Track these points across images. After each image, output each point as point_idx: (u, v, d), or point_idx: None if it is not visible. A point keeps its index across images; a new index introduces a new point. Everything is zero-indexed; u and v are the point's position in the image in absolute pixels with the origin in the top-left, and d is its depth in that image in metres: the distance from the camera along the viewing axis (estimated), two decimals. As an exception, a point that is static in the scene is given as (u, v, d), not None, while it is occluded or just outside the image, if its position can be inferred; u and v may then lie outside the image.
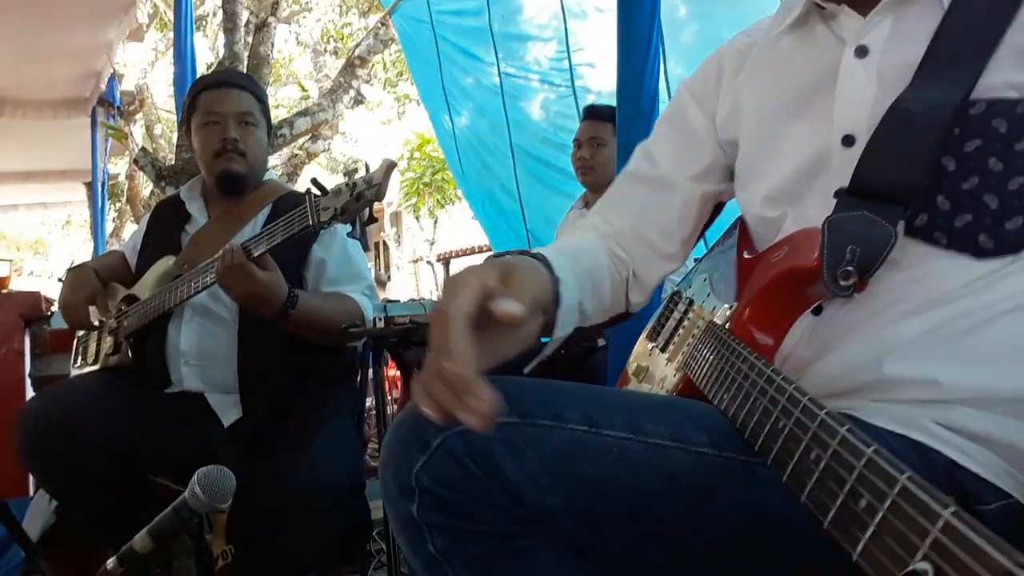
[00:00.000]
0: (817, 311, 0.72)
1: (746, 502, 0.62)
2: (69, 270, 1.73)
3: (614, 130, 2.28)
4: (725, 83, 0.88)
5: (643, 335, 1.06)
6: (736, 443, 0.61)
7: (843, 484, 0.45)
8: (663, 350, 0.96)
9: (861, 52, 0.71)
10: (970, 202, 0.63)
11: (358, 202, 1.31)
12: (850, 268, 0.65)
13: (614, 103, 1.94)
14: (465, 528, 0.61)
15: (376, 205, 1.35)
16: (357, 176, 1.32)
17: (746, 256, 0.87)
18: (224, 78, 1.76)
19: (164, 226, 1.75)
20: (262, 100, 1.71)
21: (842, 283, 0.66)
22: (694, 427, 0.64)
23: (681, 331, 0.93)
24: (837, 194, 0.70)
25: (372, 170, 1.32)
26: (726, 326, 0.79)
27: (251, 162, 1.66)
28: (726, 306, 0.84)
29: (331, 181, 1.39)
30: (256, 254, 1.38)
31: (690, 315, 0.93)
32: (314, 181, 1.37)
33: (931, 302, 0.65)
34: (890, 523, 0.40)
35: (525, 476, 0.60)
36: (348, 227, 1.37)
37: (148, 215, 1.87)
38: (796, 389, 0.57)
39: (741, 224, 0.92)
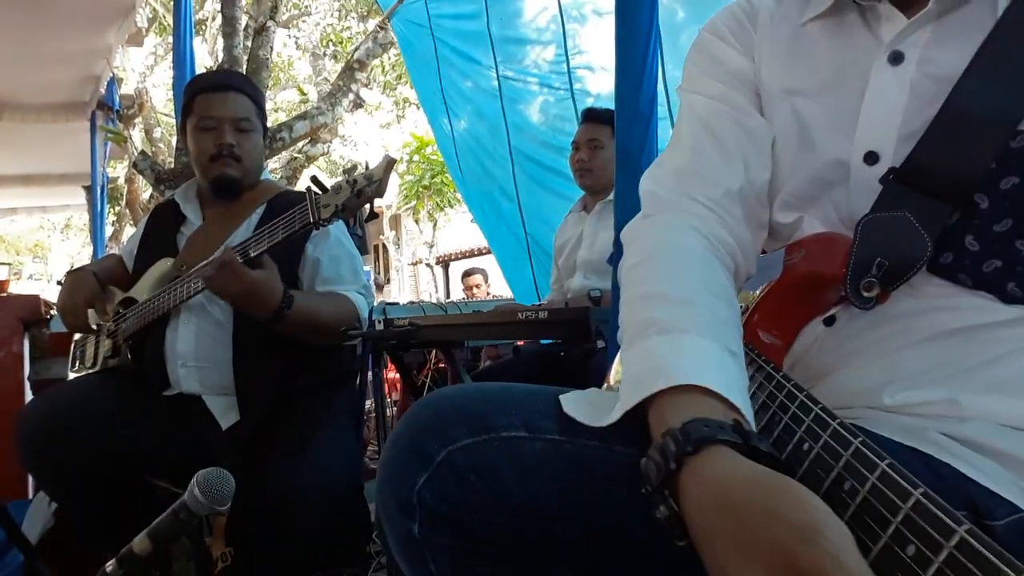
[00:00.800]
0: (829, 321, 0.70)
1: None
2: (68, 273, 1.73)
3: (612, 133, 2.28)
4: (755, 44, 0.79)
5: None
6: None
7: (887, 525, 0.42)
8: None
9: (896, 59, 0.66)
10: (1001, 247, 0.59)
11: (359, 199, 1.31)
12: (874, 279, 0.63)
13: (613, 106, 1.94)
14: (468, 549, 0.58)
15: (377, 203, 1.35)
16: (357, 173, 1.32)
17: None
18: (221, 80, 1.75)
19: (160, 229, 1.75)
20: (258, 103, 1.71)
21: (864, 294, 0.63)
22: None
23: None
24: (883, 180, 0.65)
25: (372, 167, 1.32)
26: None
27: (247, 167, 1.66)
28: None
29: (330, 184, 1.39)
30: (253, 255, 1.38)
31: None
32: (314, 179, 1.37)
33: (951, 332, 0.62)
34: (902, 535, 0.38)
35: (533, 495, 0.57)
36: (343, 224, 1.37)
37: (145, 218, 1.87)
38: (808, 397, 0.55)
39: None
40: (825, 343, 0.70)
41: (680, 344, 0.58)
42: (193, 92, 1.68)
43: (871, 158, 0.66)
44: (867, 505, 0.43)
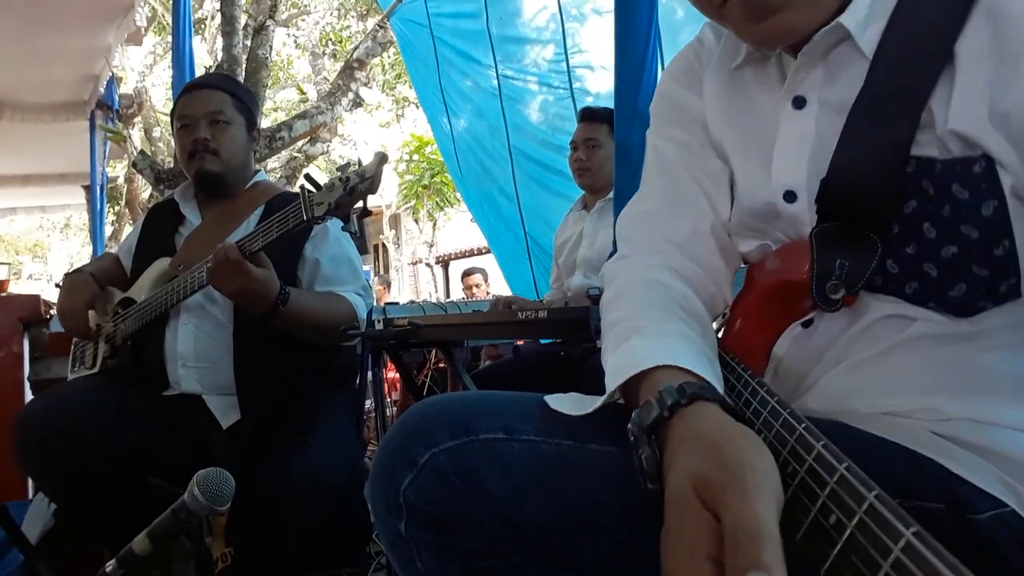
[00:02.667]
0: (807, 324, 0.72)
1: None
2: (66, 275, 1.73)
3: (610, 131, 2.28)
4: (702, 76, 0.84)
5: None
6: None
7: (816, 499, 0.45)
8: None
9: (799, 103, 0.71)
10: (912, 269, 0.63)
11: (351, 196, 1.31)
12: (838, 282, 0.65)
13: (612, 105, 1.94)
14: (451, 545, 0.62)
15: (376, 201, 1.34)
16: (350, 170, 1.32)
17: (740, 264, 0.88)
18: (197, 81, 1.79)
19: (158, 228, 1.75)
20: (238, 97, 1.71)
21: (831, 297, 0.66)
22: None
23: None
24: (818, 229, 0.68)
25: (365, 164, 1.32)
26: (717, 335, 0.80)
27: (226, 160, 1.66)
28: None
29: (324, 182, 1.39)
30: (251, 251, 1.38)
31: None
32: (307, 177, 1.37)
33: (920, 338, 0.64)
34: (857, 541, 0.40)
35: (511, 493, 0.61)
36: (340, 224, 1.37)
37: (142, 218, 1.87)
38: (778, 402, 0.57)
39: None
40: (807, 345, 0.72)
41: (663, 343, 0.63)
42: (176, 99, 1.72)
43: (789, 196, 0.71)
44: (803, 485, 0.47)
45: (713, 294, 0.80)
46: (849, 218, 0.66)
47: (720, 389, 0.59)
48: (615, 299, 0.75)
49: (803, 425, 0.51)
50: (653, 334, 0.64)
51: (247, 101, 1.74)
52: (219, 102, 1.66)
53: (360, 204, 1.34)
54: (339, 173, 1.33)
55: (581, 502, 0.61)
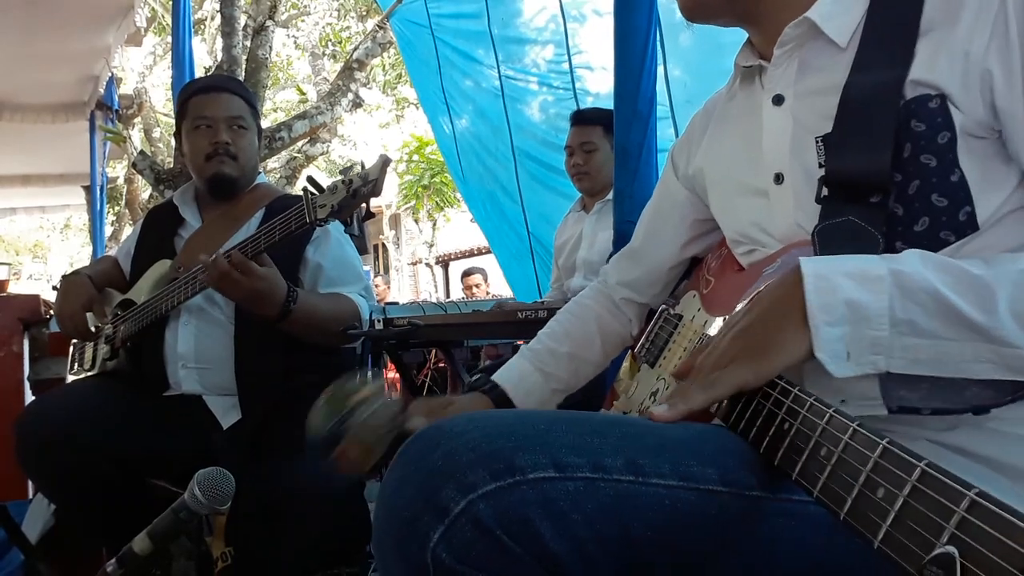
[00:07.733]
0: None
1: (800, 547, 0.59)
2: (63, 278, 1.72)
3: (604, 132, 2.27)
4: (693, 145, 0.97)
5: (629, 352, 1.08)
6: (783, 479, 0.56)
7: (858, 475, 0.45)
8: (652, 365, 0.97)
9: (777, 100, 0.79)
10: (883, 216, 0.67)
11: (354, 199, 1.31)
12: None
13: (612, 105, 1.94)
14: None
15: (375, 202, 1.35)
16: (353, 173, 1.32)
17: (737, 270, 0.89)
18: (214, 82, 1.77)
19: (158, 231, 1.75)
20: (252, 105, 1.72)
21: None
22: (739, 465, 0.58)
23: (672, 346, 0.94)
24: (819, 200, 0.70)
25: (368, 167, 1.32)
26: None
27: (243, 165, 1.66)
28: (719, 319, 0.84)
29: (327, 184, 1.39)
30: (252, 254, 1.38)
31: (680, 330, 0.94)
32: (310, 179, 1.37)
33: None
34: (913, 508, 0.40)
35: (569, 544, 0.51)
36: (341, 227, 1.37)
37: (141, 221, 1.87)
38: (800, 391, 0.56)
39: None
40: None
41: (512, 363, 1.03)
42: (187, 96, 1.69)
43: (778, 179, 0.78)
44: (843, 463, 0.47)
45: (625, 325, 1.09)
46: (856, 192, 0.68)
47: (511, 386, 0.99)
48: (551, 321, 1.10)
49: (832, 408, 0.51)
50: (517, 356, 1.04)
51: (257, 108, 1.75)
52: (239, 108, 1.65)
53: (363, 206, 1.34)
54: (342, 176, 1.33)
55: (650, 549, 0.54)
